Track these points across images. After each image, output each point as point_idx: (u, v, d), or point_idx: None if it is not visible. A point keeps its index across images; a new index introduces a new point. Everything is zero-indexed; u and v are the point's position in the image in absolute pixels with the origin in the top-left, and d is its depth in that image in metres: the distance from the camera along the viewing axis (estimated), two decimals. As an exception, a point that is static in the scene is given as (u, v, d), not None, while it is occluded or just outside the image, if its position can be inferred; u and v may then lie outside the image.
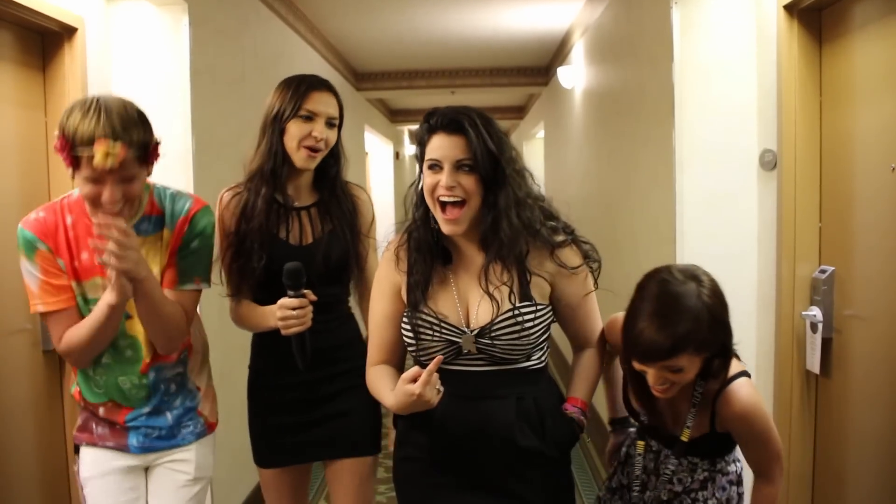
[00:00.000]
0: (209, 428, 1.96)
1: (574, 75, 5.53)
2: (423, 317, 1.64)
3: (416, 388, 1.50)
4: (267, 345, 2.05)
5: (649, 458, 1.77)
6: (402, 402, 1.54)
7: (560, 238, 1.68)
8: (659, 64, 3.04)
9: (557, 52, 6.30)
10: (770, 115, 2.39)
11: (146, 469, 1.90)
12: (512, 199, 1.60)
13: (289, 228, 2.02)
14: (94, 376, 1.83)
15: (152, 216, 1.79)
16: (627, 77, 3.95)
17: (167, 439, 1.87)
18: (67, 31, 2.47)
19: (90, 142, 1.58)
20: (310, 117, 1.94)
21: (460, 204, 1.58)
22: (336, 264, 2.02)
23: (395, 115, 10.32)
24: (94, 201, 1.65)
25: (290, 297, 1.87)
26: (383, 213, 10.11)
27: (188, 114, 2.88)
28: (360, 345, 1.98)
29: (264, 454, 2.11)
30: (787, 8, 2.27)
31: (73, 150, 1.60)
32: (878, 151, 2.02)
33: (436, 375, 1.52)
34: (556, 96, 6.66)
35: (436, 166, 1.60)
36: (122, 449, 1.85)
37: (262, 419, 2.10)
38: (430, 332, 1.64)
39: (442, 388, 1.54)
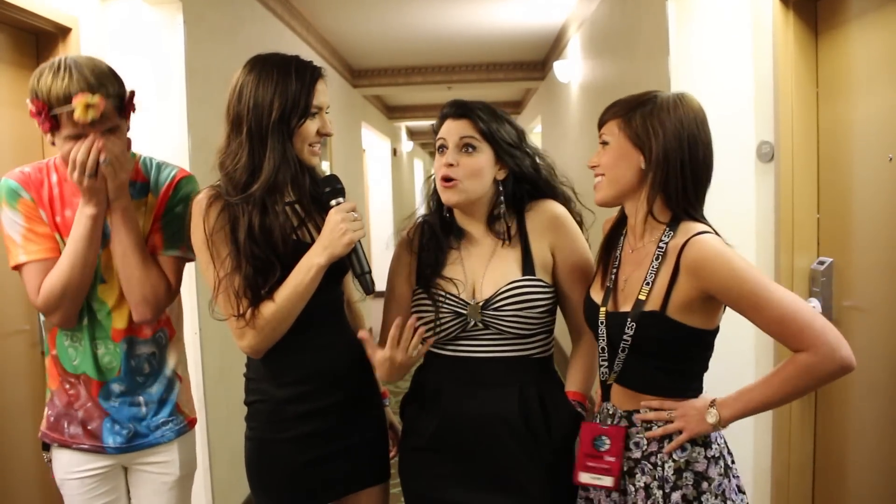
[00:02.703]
0: (189, 424, 1.89)
1: (570, 70, 5.52)
2: (433, 291, 1.71)
3: (385, 353, 1.58)
4: (282, 368, 1.75)
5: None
6: (383, 371, 1.62)
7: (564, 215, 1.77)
8: (655, 57, 3.04)
9: (553, 46, 6.30)
10: (767, 106, 2.39)
11: (125, 468, 1.85)
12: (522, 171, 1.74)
13: (298, 230, 1.73)
14: (72, 343, 1.76)
15: (137, 182, 1.79)
16: (624, 71, 3.94)
17: (144, 437, 1.80)
18: (62, 32, 2.47)
19: (67, 99, 1.56)
20: (317, 112, 1.70)
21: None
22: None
23: (393, 112, 10.30)
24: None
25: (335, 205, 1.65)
26: (381, 210, 10.15)
27: (184, 112, 2.88)
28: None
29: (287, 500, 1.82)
30: (783, -1, 2.27)
31: (51, 110, 1.58)
32: (875, 141, 2.02)
33: (407, 331, 1.57)
34: (552, 91, 6.65)
35: (443, 147, 1.72)
36: (98, 451, 1.78)
37: (283, 461, 1.78)
38: (439, 306, 1.69)
39: (423, 341, 1.61)
